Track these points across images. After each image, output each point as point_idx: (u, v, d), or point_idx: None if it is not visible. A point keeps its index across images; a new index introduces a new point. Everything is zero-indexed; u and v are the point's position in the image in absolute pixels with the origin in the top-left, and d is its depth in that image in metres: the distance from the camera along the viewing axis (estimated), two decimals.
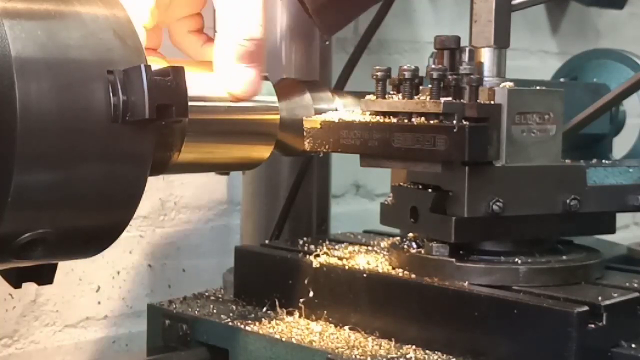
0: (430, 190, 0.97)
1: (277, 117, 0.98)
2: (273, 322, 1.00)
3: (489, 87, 0.94)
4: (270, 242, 1.18)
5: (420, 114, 0.90)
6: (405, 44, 1.74)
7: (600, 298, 0.87)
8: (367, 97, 0.96)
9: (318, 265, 1.02)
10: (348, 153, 0.95)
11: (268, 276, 1.08)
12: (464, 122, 0.88)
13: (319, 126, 0.97)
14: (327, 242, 1.14)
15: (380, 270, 0.99)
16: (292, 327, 0.99)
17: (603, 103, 1.11)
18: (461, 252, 0.96)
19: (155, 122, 0.75)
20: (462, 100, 0.90)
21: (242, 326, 0.99)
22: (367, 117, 0.95)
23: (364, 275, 0.98)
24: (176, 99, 0.75)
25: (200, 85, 0.90)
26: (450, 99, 0.90)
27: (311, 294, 1.02)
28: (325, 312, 1.01)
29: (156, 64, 0.79)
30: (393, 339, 0.94)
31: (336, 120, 0.96)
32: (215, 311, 1.06)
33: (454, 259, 0.94)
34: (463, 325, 0.89)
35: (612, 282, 0.95)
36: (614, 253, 1.26)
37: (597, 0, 2.00)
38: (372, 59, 1.52)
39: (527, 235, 0.97)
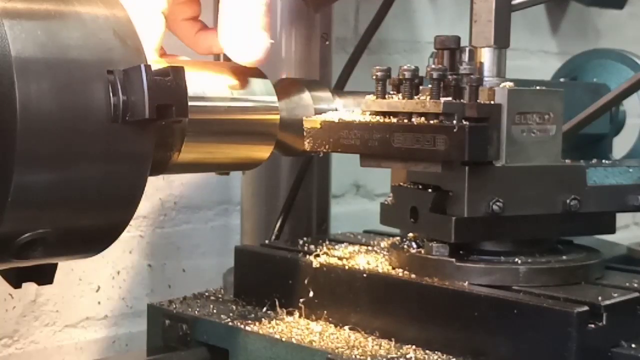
0: (430, 190, 0.97)
1: (277, 117, 0.98)
2: (273, 322, 1.00)
3: (489, 87, 0.94)
4: (270, 242, 1.18)
5: (420, 114, 0.90)
6: (405, 44, 1.74)
7: (600, 298, 0.87)
8: (367, 97, 0.96)
9: (318, 265, 1.02)
10: (348, 153, 0.95)
11: (268, 276, 1.08)
12: (464, 122, 0.88)
13: (319, 126, 0.97)
14: (327, 242, 1.14)
15: (380, 270, 0.99)
16: (292, 327, 0.99)
17: (603, 103, 1.11)
18: (461, 252, 0.96)
19: (155, 122, 0.75)
20: (462, 100, 0.90)
21: (242, 326, 0.99)
22: (367, 117, 0.95)
23: (364, 275, 0.98)
24: (176, 99, 0.75)
25: (201, 85, 0.90)
26: (450, 99, 0.90)
27: (311, 294, 1.02)
28: (325, 312, 1.01)
29: (156, 64, 0.79)
30: (393, 339, 0.94)
31: (336, 120, 0.96)
32: (215, 311, 1.06)
33: (454, 259, 0.94)
34: (463, 325, 0.89)
35: (612, 282, 0.95)
36: (614, 253, 1.26)
37: (597, 0, 2.00)
38: (372, 59, 1.52)
39: (527, 235, 0.97)
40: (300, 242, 1.15)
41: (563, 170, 0.96)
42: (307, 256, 1.04)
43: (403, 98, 0.93)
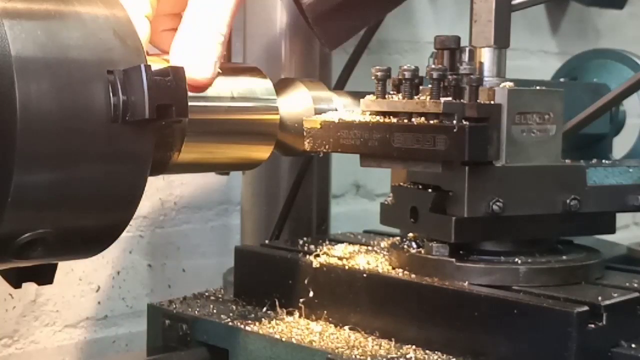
0: (430, 190, 0.97)
1: (277, 117, 0.98)
2: (273, 322, 1.00)
3: (489, 87, 0.94)
4: (270, 242, 1.18)
5: (420, 114, 0.90)
6: (405, 44, 1.74)
7: (600, 298, 0.87)
8: (367, 97, 0.96)
9: (318, 265, 1.02)
10: (348, 153, 0.95)
11: (268, 276, 1.08)
12: (464, 122, 0.88)
13: (319, 126, 0.97)
14: (327, 242, 1.14)
15: (380, 270, 0.99)
16: (292, 327, 0.99)
17: (603, 103, 1.11)
18: (461, 252, 0.96)
19: (155, 122, 0.75)
20: (462, 100, 0.90)
21: (242, 326, 0.99)
22: (367, 117, 0.95)
23: (364, 275, 0.98)
24: (176, 99, 0.75)
25: None
26: (450, 99, 0.90)
27: (311, 294, 1.02)
28: (325, 312, 1.01)
29: (156, 64, 0.79)
30: (393, 339, 0.94)
31: (336, 120, 0.96)
32: (215, 311, 1.06)
33: (454, 259, 0.94)
34: (463, 325, 0.89)
35: (612, 282, 0.95)
36: (614, 253, 1.26)
37: (597, 0, 2.00)
38: (372, 59, 1.52)
39: (527, 235, 0.97)
40: (300, 242, 1.15)
41: (563, 170, 0.96)
42: (307, 256, 1.04)
43: (403, 98, 0.93)
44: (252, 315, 1.04)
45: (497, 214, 0.92)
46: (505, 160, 0.93)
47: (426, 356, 0.90)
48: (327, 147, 0.96)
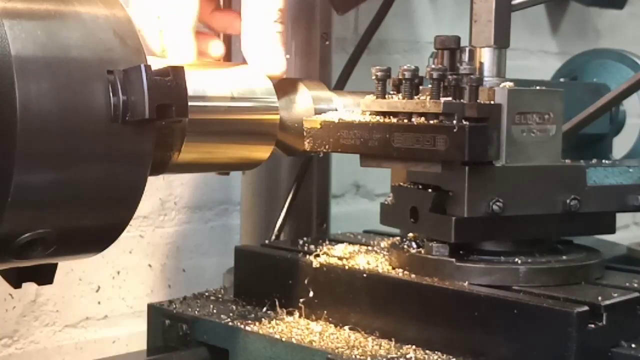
0: (430, 190, 0.97)
1: (277, 117, 0.98)
2: (273, 322, 1.00)
3: (489, 87, 0.94)
4: (270, 242, 1.18)
5: (420, 114, 0.90)
6: (405, 44, 1.74)
7: (600, 298, 0.87)
8: (367, 97, 0.96)
9: (318, 265, 1.02)
10: (348, 153, 0.95)
11: (268, 276, 1.08)
12: (464, 122, 0.88)
13: (319, 126, 0.97)
14: (327, 242, 1.14)
15: (380, 270, 0.99)
16: (292, 327, 0.99)
17: (603, 103, 1.11)
18: (461, 252, 0.96)
19: (155, 122, 0.75)
20: (462, 100, 0.90)
21: (242, 326, 0.99)
22: (367, 117, 0.95)
23: (364, 275, 0.98)
24: (176, 99, 0.75)
25: (201, 85, 0.90)
26: (450, 99, 0.90)
27: (311, 294, 1.02)
28: (325, 312, 1.01)
29: (156, 63, 0.79)
30: (393, 339, 0.94)
31: (336, 120, 0.96)
32: (215, 311, 1.06)
33: (454, 259, 0.94)
34: (463, 325, 0.89)
35: (612, 282, 0.95)
36: (614, 253, 1.26)
37: (597, 0, 2.00)
38: (372, 59, 1.52)
39: (527, 235, 0.97)
40: (300, 242, 1.15)
41: (563, 170, 0.96)
42: (307, 256, 1.04)
43: (403, 98, 0.93)
44: (252, 315, 1.04)
45: (497, 214, 0.92)
46: (505, 160, 0.93)
47: (426, 356, 0.90)
48: (327, 147, 0.96)
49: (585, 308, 0.84)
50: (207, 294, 1.14)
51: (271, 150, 0.99)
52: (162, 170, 0.90)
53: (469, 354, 0.89)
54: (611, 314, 0.85)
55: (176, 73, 0.76)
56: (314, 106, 1.01)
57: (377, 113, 0.94)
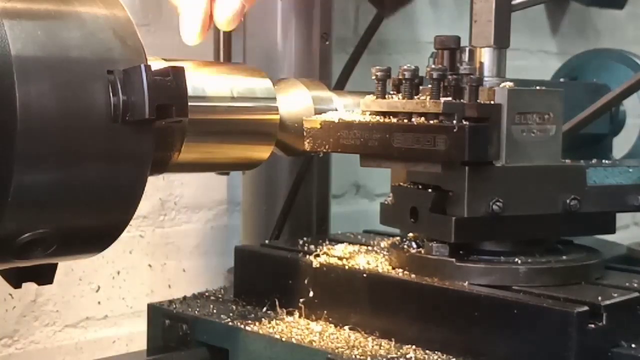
0: (430, 190, 0.97)
1: (277, 117, 0.98)
2: (273, 322, 1.00)
3: (489, 87, 0.94)
4: (270, 242, 1.18)
5: (420, 114, 0.90)
6: (405, 44, 1.74)
7: (600, 298, 0.87)
8: (367, 97, 0.96)
9: (318, 265, 1.02)
10: (348, 153, 0.95)
11: (268, 276, 1.08)
12: (464, 122, 0.88)
13: (319, 126, 0.97)
14: (327, 242, 1.14)
15: (380, 270, 0.99)
16: (292, 327, 0.99)
17: (603, 103, 1.11)
18: (461, 252, 0.96)
19: (155, 122, 0.75)
20: (462, 100, 0.90)
21: (242, 326, 0.99)
22: (367, 117, 0.95)
23: (364, 275, 0.98)
24: (176, 99, 0.75)
25: (201, 85, 0.91)
26: (450, 99, 0.90)
27: (311, 294, 1.02)
28: (325, 312, 1.01)
29: (156, 64, 0.79)
30: (393, 339, 0.94)
31: (336, 120, 0.96)
32: (215, 311, 1.06)
33: (454, 259, 0.94)
34: (463, 325, 0.89)
35: (612, 282, 0.95)
36: (614, 253, 1.26)
37: (597, 0, 2.00)
38: (372, 59, 1.52)
39: (527, 235, 0.97)
40: (300, 242, 1.15)
41: (563, 170, 0.96)
42: (307, 256, 1.04)
43: (403, 98, 0.93)
44: (252, 315, 1.04)
45: (497, 214, 0.92)
46: (505, 160, 0.93)
47: (426, 356, 0.90)
48: (327, 147, 0.97)
49: (585, 308, 0.84)
50: (207, 294, 1.14)
51: (271, 150, 0.99)
52: (162, 170, 0.90)
53: (469, 354, 0.89)
54: (611, 314, 0.85)
55: (176, 73, 0.76)
56: (314, 106, 1.01)
57: (377, 113, 0.94)
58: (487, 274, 0.93)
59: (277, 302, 1.05)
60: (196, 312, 1.06)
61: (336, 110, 1.02)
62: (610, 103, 1.13)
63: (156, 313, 1.08)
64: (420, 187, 0.99)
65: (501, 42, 0.98)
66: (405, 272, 0.98)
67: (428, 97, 0.90)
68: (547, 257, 0.96)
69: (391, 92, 0.96)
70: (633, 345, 0.87)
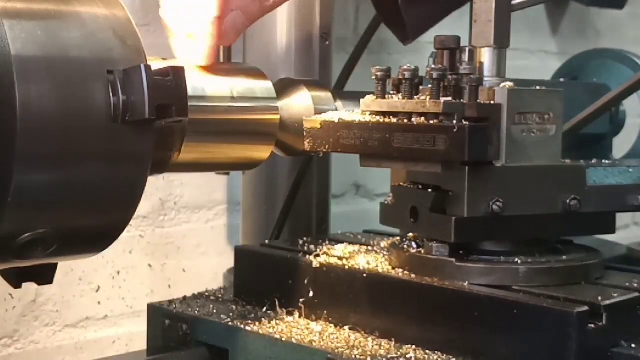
0: (430, 190, 0.97)
1: (277, 117, 0.98)
2: (273, 322, 1.00)
3: (489, 87, 0.94)
4: (270, 242, 1.18)
5: (420, 114, 0.90)
6: None
7: (600, 298, 0.86)
8: (367, 97, 0.96)
9: (318, 265, 1.02)
10: (348, 153, 0.95)
11: (268, 276, 1.08)
12: (464, 122, 0.88)
13: (319, 126, 0.97)
14: (327, 242, 1.14)
15: (380, 270, 0.99)
16: (292, 327, 0.99)
17: (603, 103, 1.11)
18: (461, 252, 0.96)
19: (155, 122, 0.75)
20: (462, 100, 0.90)
21: (242, 326, 0.99)
22: (367, 117, 0.95)
23: (364, 275, 0.98)
24: (176, 99, 0.75)
25: (201, 85, 0.91)
26: (450, 99, 0.90)
27: (311, 294, 1.02)
28: (325, 312, 1.01)
29: (156, 64, 0.79)
30: (393, 339, 0.94)
31: (336, 120, 0.96)
32: (215, 311, 1.06)
33: (454, 259, 0.94)
34: (463, 325, 0.89)
35: (612, 282, 0.95)
36: (614, 253, 1.26)
37: (597, 0, 2.00)
38: (372, 59, 1.52)
39: (527, 235, 0.97)
40: (300, 242, 1.15)
41: (563, 170, 0.96)
42: (307, 256, 1.04)
43: (403, 98, 0.93)
44: (252, 315, 1.04)
45: (497, 214, 0.92)
46: (505, 160, 0.93)
47: (426, 356, 0.90)
48: (327, 147, 0.96)
49: (585, 308, 0.84)
50: (207, 294, 1.14)
51: (271, 150, 0.99)
52: (162, 170, 0.90)
53: (469, 354, 0.89)
54: (611, 314, 0.85)
55: (176, 73, 0.76)
56: (314, 106, 1.01)
57: (377, 113, 0.94)
58: (487, 274, 0.93)
59: (277, 302, 1.05)
60: (196, 312, 1.06)
61: (336, 110, 1.02)
62: (610, 103, 1.13)
63: (156, 313, 1.08)
64: (420, 187, 0.99)
65: (501, 42, 0.98)
66: (405, 272, 0.97)
67: (428, 97, 0.90)
68: (547, 257, 0.96)
69: (391, 92, 0.96)
70: (633, 345, 0.87)
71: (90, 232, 0.77)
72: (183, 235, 1.44)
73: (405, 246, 1.01)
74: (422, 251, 0.98)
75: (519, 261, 0.94)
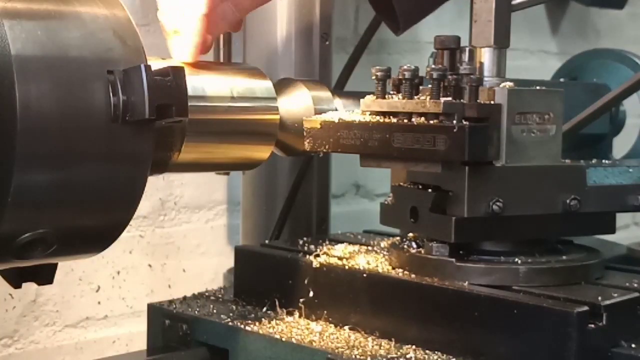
0: (430, 190, 0.97)
1: (277, 117, 0.98)
2: (273, 322, 1.00)
3: (489, 87, 0.94)
4: (270, 242, 1.18)
5: (420, 114, 0.90)
6: (405, 44, 1.74)
7: (600, 298, 0.87)
8: (367, 97, 0.96)
9: (318, 265, 1.02)
10: (348, 153, 0.95)
11: (268, 276, 1.08)
12: (464, 122, 0.88)
13: (319, 126, 0.97)
14: (327, 242, 1.14)
15: (380, 270, 0.99)
16: (292, 327, 0.99)
17: (603, 103, 1.11)
18: (461, 252, 0.96)
19: (155, 122, 0.75)
20: (462, 100, 0.90)
21: (242, 326, 0.99)
22: (367, 117, 0.95)
23: (364, 275, 0.98)
24: (176, 99, 0.75)
25: (201, 85, 0.91)
26: (450, 99, 0.90)
27: (311, 294, 1.02)
28: (325, 312, 1.01)
29: (156, 64, 0.79)
30: (393, 339, 0.94)
31: (336, 120, 0.96)
32: (215, 311, 1.06)
33: (454, 259, 0.94)
34: (463, 325, 0.89)
35: (612, 282, 0.95)
36: (614, 253, 1.26)
37: (597, 0, 2.00)
38: (372, 59, 1.52)
39: (527, 235, 0.97)
40: (300, 242, 1.15)
41: (563, 170, 0.96)
42: (307, 256, 1.04)
43: (403, 98, 0.93)
44: (252, 315, 1.04)
45: (497, 214, 0.92)
46: (505, 160, 0.93)
47: (426, 356, 0.90)
48: (327, 147, 0.96)
49: (585, 308, 0.84)
50: (207, 294, 1.14)
51: (271, 150, 0.99)
52: (162, 170, 0.90)
53: (469, 354, 0.89)
54: (611, 314, 0.85)
55: (176, 73, 0.76)
56: (314, 106, 1.01)
57: (377, 113, 0.94)
58: (487, 274, 0.93)
59: (277, 302, 1.05)
60: (196, 312, 1.06)
61: (336, 110, 1.02)
62: (610, 103, 1.13)
63: (156, 313, 1.08)
64: (420, 187, 0.99)
65: (501, 42, 0.98)
66: (405, 272, 0.98)
67: (428, 97, 0.90)
68: (547, 257, 0.96)
69: (391, 92, 0.96)
70: (633, 345, 0.87)
71: (90, 232, 0.77)
72: (183, 235, 1.44)
73: (405, 246, 1.01)
74: (422, 251, 0.98)
75: (519, 261, 0.94)
